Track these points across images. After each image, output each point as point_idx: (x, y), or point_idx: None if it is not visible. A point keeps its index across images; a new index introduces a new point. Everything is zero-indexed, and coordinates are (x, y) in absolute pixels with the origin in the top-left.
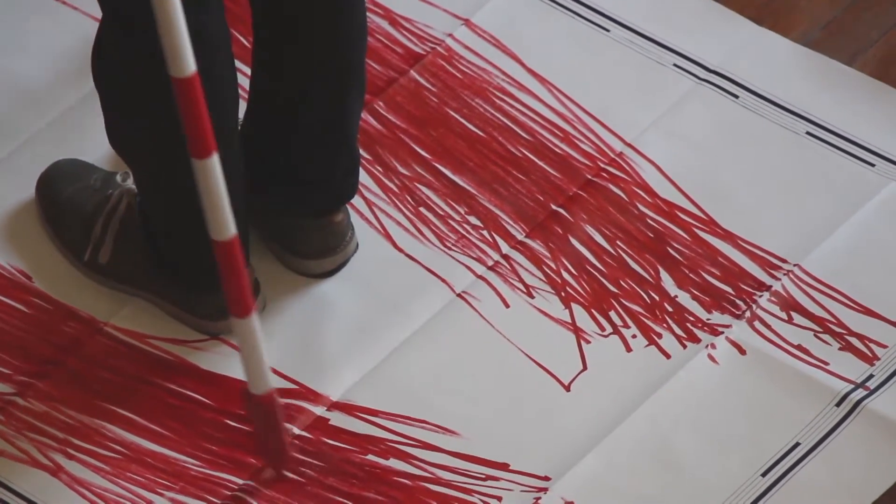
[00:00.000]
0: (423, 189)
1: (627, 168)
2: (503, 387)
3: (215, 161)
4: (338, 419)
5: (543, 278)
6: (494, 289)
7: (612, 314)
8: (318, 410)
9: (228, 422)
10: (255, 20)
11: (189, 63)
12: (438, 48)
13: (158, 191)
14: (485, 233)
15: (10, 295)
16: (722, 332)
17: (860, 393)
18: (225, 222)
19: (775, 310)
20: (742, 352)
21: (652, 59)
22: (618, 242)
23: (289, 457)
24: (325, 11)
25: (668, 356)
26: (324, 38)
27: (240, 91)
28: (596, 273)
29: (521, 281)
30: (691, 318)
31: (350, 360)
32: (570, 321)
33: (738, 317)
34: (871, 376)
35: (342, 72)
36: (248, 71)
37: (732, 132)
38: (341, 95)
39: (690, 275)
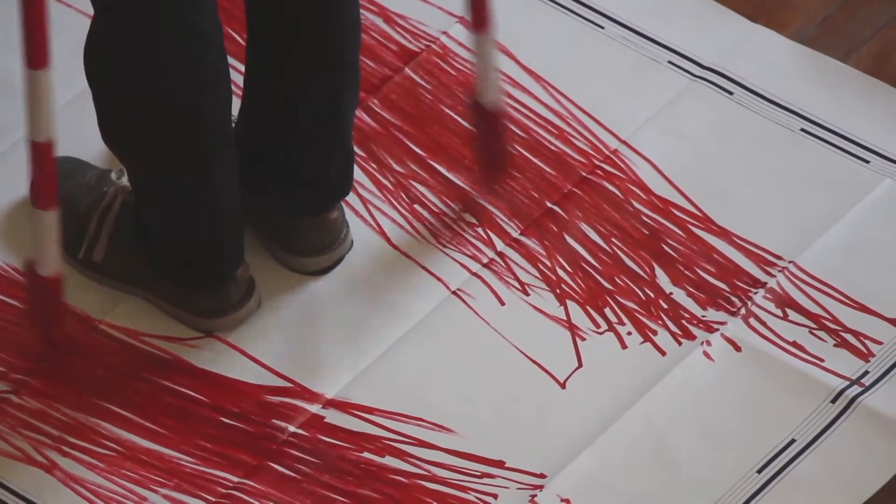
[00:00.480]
0: (418, 186)
1: (622, 165)
2: (499, 384)
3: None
4: (333, 417)
5: (538, 275)
6: (489, 286)
7: (608, 311)
8: (314, 408)
9: (223, 419)
10: (249, 19)
11: None
12: (433, 45)
13: (151, 187)
14: (480, 230)
15: (5, 292)
16: (717, 329)
17: (855, 389)
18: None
19: (770, 307)
20: (737, 349)
21: (647, 56)
22: (613, 239)
23: (59, 342)
24: (320, 10)
25: (663, 353)
26: (319, 36)
27: (234, 88)
28: (591, 270)
29: (516, 278)
30: (686, 315)
31: (345, 357)
32: (565, 318)
33: (733, 314)
34: (866, 373)
35: (337, 69)
36: (242, 68)
37: (727, 129)
38: (336, 93)
39: (685, 272)
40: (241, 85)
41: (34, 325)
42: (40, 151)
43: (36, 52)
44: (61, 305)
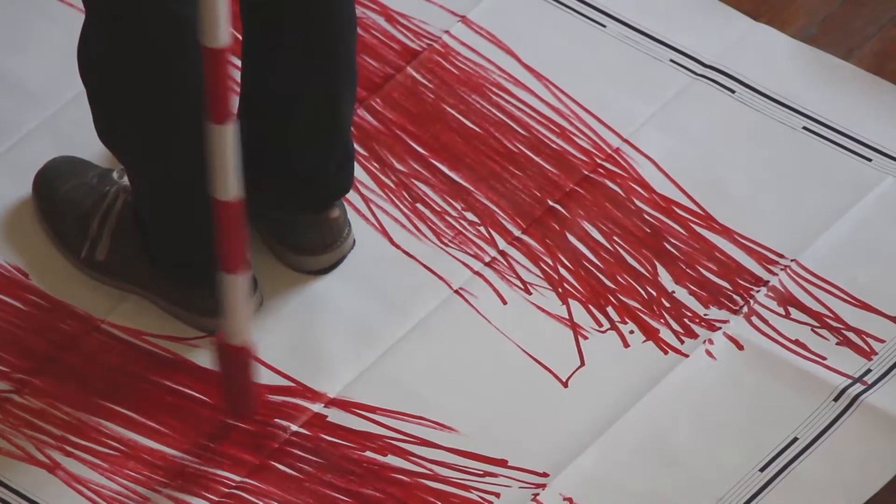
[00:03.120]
0: (420, 185)
1: (624, 164)
2: (501, 383)
3: (231, 131)
4: (335, 416)
5: (540, 274)
6: (491, 285)
7: (610, 310)
8: (316, 407)
9: (225, 419)
10: (243, 14)
11: (223, 36)
12: (435, 44)
13: (149, 185)
14: (481, 229)
15: (7, 292)
16: (719, 328)
17: (858, 388)
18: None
19: (773, 305)
20: (740, 347)
21: (648, 54)
22: (615, 238)
23: (253, 410)
24: (315, 5)
25: (665, 352)
26: (314, 31)
27: (232, 85)
28: (593, 269)
29: (518, 277)
30: (689, 314)
31: (347, 356)
32: (567, 317)
33: (735, 312)
34: (868, 371)
35: (333, 66)
36: (240, 65)
37: (729, 127)
38: (332, 89)
39: (688, 270)
40: (238, 82)
41: (227, 399)
42: (228, 210)
43: (218, 106)
44: (253, 376)
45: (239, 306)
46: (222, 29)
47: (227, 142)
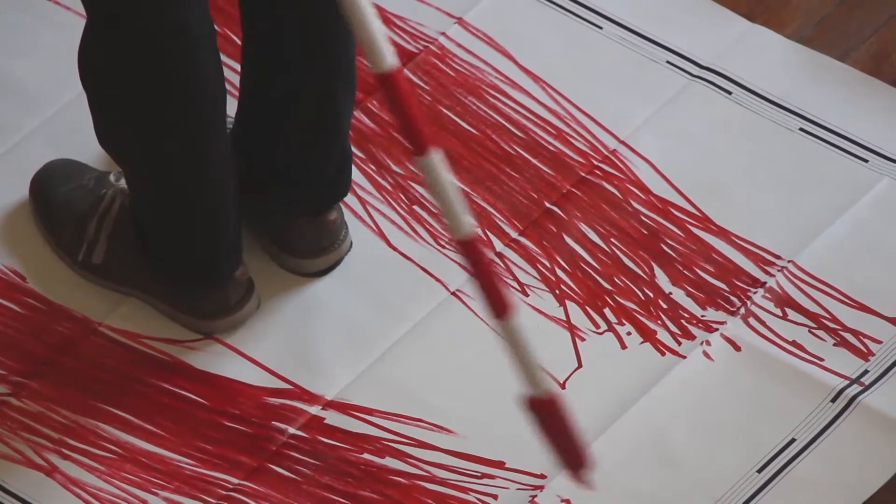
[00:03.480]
0: (417, 187)
1: (621, 165)
2: (498, 385)
3: (438, 158)
4: (333, 418)
5: (538, 276)
6: None
7: (607, 311)
8: (314, 410)
9: (223, 421)
10: (243, 18)
11: (388, 57)
12: (431, 46)
13: (147, 188)
14: (479, 231)
15: (4, 295)
16: (717, 329)
17: (855, 388)
18: (463, 219)
19: (770, 306)
20: (737, 348)
21: (645, 56)
22: (612, 240)
23: (588, 460)
24: (313, 9)
25: (662, 353)
26: (313, 35)
27: (231, 88)
28: (590, 270)
29: (516, 279)
30: (686, 315)
31: (345, 358)
32: (564, 319)
33: (732, 313)
34: (866, 372)
35: (332, 69)
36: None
37: (726, 129)
38: (331, 93)
39: (685, 271)
40: (237, 86)
41: (559, 456)
42: (470, 250)
43: (417, 139)
44: (571, 424)
45: (523, 354)
46: (388, 50)
47: (439, 172)
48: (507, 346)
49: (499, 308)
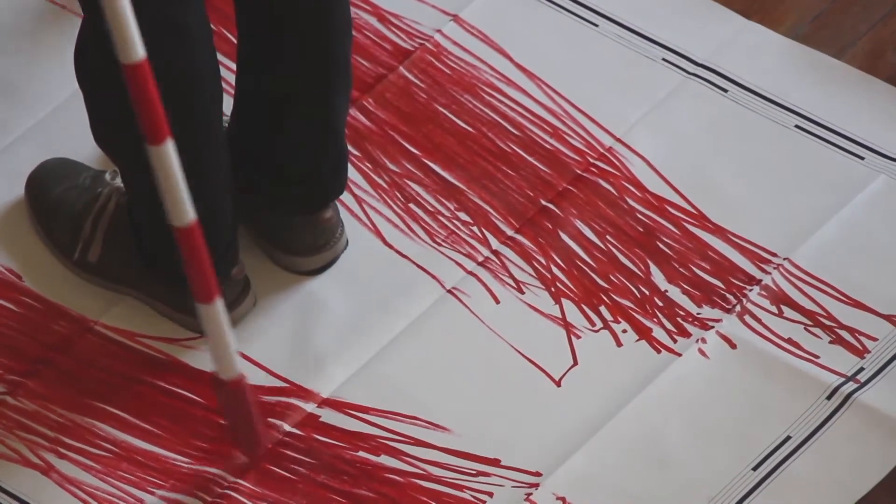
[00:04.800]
0: (413, 185)
1: (617, 163)
2: (494, 383)
3: (170, 147)
4: (328, 416)
5: (533, 274)
6: (484, 284)
7: (603, 309)
8: (309, 407)
9: (219, 419)
10: (238, 17)
11: (138, 49)
12: (427, 44)
13: (143, 187)
14: (474, 229)
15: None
16: (712, 327)
17: (851, 386)
18: (183, 208)
19: (765, 304)
20: (732, 346)
21: (640, 53)
22: (607, 237)
23: (262, 444)
24: (309, 7)
25: (658, 351)
26: (308, 33)
27: (227, 87)
28: (586, 268)
29: (511, 276)
30: (681, 313)
31: (340, 356)
32: (560, 316)
33: (728, 311)
34: (861, 369)
35: (327, 68)
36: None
37: (721, 126)
38: (327, 92)
39: (680, 269)
40: (233, 84)
41: (234, 437)
42: (187, 236)
43: (152, 126)
44: (254, 408)
45: (221, 338)
46: (137, 43)
47: (169, 162)
48: (208, 329)
49: (203, 293)
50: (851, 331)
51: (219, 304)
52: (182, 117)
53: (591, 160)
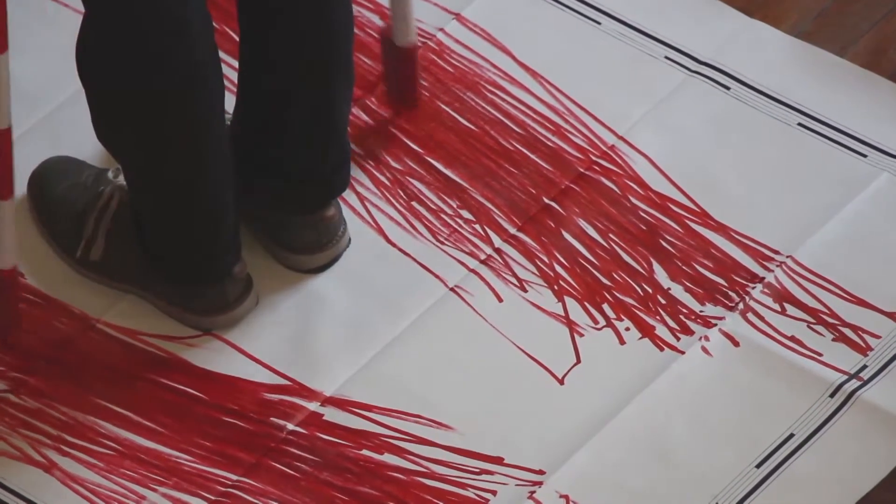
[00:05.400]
0: (415, 183)
1: (619, 161)
2: (497, 381)
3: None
4: (332, 414)
5: (536, 272)
6: (487, 283)
7: (606, 307)
8: (312, 406)
9: (222, 417)
10: (240, 15)
11: None
12: (430, 42)
13: (146, 184)
14: (477, 227)
15: None
16: (715, 324)
17: (854, 384)
18: None
19: (768, 301)
20: (735, 344)
21: (643, 51)
22: (610, 235)
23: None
24: (310, 5)
25: (661, 349)
26: (309, 31)
27: (230, 86)
28: (589, 266)
29: (514, 275)
30: (684, 311)
31: (343, 355)
32: (563, 314)
33: (731, 309)
34: (864, 367)
35: (328, 65)
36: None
37: (724, 124)
38: (328, 90)
39: (683, 267)
40: (236, 82)
41: None
42: None
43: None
44: (17, 302)
45: (5, 231)
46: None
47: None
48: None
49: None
50: (854, 328)
51: (9, 205)
52: (184, 114)
53: (594, 158)
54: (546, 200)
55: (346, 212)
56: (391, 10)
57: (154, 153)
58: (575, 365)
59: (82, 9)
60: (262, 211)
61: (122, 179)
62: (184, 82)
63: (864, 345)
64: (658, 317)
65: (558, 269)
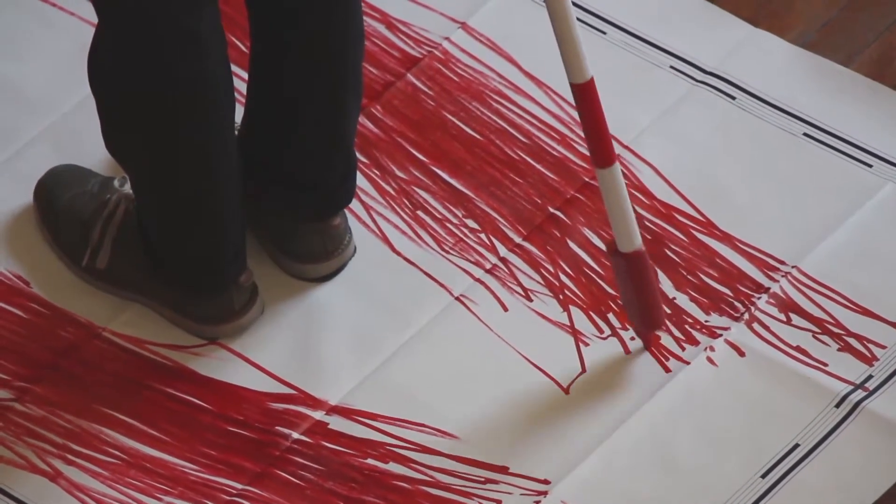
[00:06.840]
0: (421, 192)
1: (624, 170)
2: (502, 390)
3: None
4: (337, 423)
5: (541, 281)
6: (492, 292)
7: (611, 316)
8: (317, 415)
9: (227, 426)
10: (251, 25)
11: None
12: (435, 51)
13: (154, 195)
14: (482, 236)
15: (8, 300)
16: (720, 334)
17: (859, 394)
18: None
19: (774, 311)
20: (741, 353)
21: (648, 61)
22: None
23: (662, 317)
24: (321, 16)
25: (666, 358)
26: (320, 42)
27: (239, 96)
28: (594, 275)
29: (519, 284)
30: (690, 320)
31: (348, 364)
32: (568, 324)
33: (736, 318)
34: (870, 377)
35: (338, 76)
36: (247, 76)
37: (729, 134)
38: (337, 100)
39: (689, 277)
40: (245, 93)
41: (632, 317)
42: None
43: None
44: (655, 279)
45: (621, 205)
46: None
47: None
48: (605, 193)
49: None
50: (860, 338)
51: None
52: (193, 124)
53: None
54: (551, 210)
55: (351, 221)
56: (610, 216)
57: (163, 160)
58: (580, 374)
59: (88, 17)
60: (269, 219)
61: (127, 188)
62: (194, 93)
63: (869, 355)
64: (663, 326)
65: (564, 278)
